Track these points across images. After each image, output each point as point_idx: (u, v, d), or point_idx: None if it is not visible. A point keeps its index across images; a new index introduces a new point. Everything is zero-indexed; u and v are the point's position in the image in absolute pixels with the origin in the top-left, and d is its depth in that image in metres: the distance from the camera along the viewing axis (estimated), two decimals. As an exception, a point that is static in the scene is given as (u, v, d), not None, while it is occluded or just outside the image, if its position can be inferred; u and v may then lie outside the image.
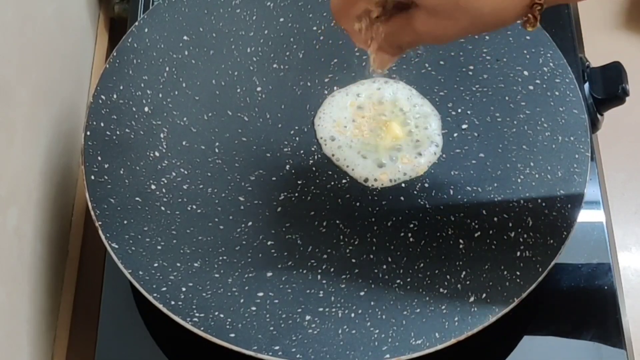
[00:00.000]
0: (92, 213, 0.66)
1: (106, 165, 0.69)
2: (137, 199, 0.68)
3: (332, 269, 0.67)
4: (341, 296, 0.65)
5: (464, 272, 0.65)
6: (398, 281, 0.65)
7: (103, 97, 0.72)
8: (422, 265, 0.66)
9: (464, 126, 0.73)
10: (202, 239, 0.68)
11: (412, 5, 0.57)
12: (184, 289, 0.64)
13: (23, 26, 0.69)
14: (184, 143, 0.73)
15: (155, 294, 0.63)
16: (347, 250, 0.68)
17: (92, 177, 0.68)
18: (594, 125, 0.79)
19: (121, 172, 0.69)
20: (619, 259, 0.73)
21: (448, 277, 0.65)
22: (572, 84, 0.73)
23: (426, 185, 0.71)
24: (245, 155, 0.73)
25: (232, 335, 0.61)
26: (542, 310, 0.69)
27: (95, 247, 0.75)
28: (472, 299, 0.63)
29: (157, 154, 0.72)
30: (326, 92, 0.76)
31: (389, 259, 0.67)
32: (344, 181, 0.71)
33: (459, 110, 0.74)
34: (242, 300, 0.64)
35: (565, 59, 0.74)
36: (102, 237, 0.65)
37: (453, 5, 0.53)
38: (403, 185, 0.71)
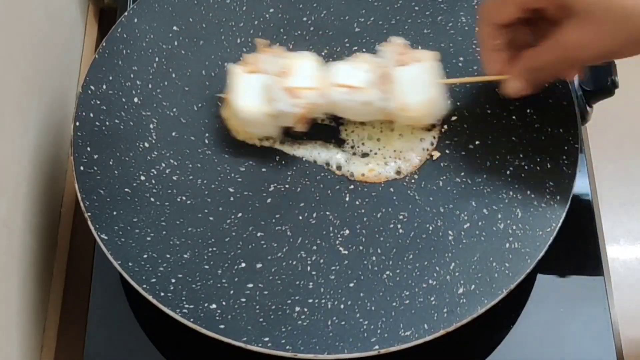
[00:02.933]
0: (82, 204, 0.66)
1: (95, 156, 0.69)
2: (126, 190, 0.68)
3: (321, 261, 0.67)
4: (331, 287, 0.65)
5: (453, 264, 0.65)
6: (387, 272, 0.66)
7: (92, 87, 0.72)
8: (411, 256, 0.66)
9: (454, 118, 0.73)
10: (191, 230, 0.68)
11: (561, 18, 0.57)
12: (173, 280, 0.64)
13: (10, 16, 0.69)
14: (173, 134, 0.73)
15: (144, 285, 0.63)
16: (337, 242, 0.68)
17: (82, 168, 0.68)
18: (583, 117, 0.79)
19: (110, 163, 0.69)
20: (607, 251, 0.73)
21: (437, 268, 0.65)
22: (562, 75, 0.73)
23: (416, 176, 0.71)
24: (234, 147, 0.73)
25: (222, 326, 0.61)
26: (531, 301, 0.70)
27: (84, 238, 0.75)
28: (461, 290, 0.64)
29: (146, 144, 0.72)
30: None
31: (379, 251, 0.67)
32: (334, 173, 0.71)
33: (449, 102, 0.74)
34: (231, 292, 0.64)
35: (555, 50, 0.75)
36: (92, 228, 0.65)
37: (604, 6, 0.54)
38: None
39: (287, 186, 0.71)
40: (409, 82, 0.69)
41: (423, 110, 0.69)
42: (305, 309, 0.63)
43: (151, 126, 0.73)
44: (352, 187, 0.71)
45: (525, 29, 0.63)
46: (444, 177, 0.71)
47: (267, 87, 0.69)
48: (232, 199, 0.70)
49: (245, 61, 0.71)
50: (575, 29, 0.57)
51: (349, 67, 0.71)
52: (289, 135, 0.72)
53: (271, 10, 0.79)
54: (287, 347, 0.61)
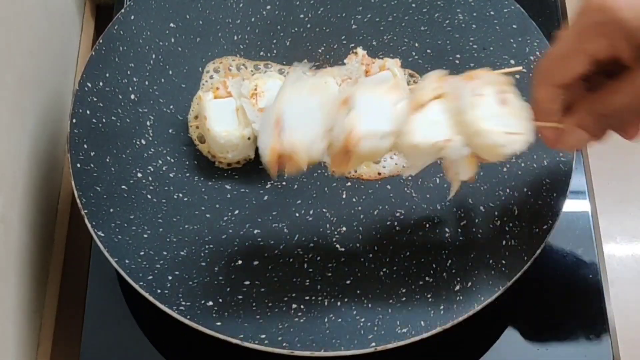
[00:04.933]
0: (78, 201, 0.66)
1: (92, 153, 0.69)
2: (123, 187, 0.68)
3: (318, 258, 0.67)
4: (327, 285, 0.65)
5: (449, 261, 0.65)
6: (384, 270, 0.66)
7: (89, 84, 0.72)
8: (408, 253, 0.67)
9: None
10: (188, 228, 0.68)
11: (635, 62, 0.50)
12: (170, 278, 0.64)
13: (7, 12, 0.69)
14: (170, 131, 0.73)
15: (141, 283, 0.63)
16: (334, 239, 0.68)
17: (78, 165, 0.68)
18: (580, 115, 0.79)
19: (107, 160, 0.69)
20: (603, 248, 0.73)
21: (434, 265, 0.65)
22: (559, 73, 0.73)
23: (412, 173, 0.71)
24: (231, 144, 0.73)
25: (219, 323, 0.61)
26: (528, 298, 0.70)
27: (81, 236, 0.75)
28: (457, 287, 0.64)
29: (143, 142, 0.71)
30: (313, 80, 0.76)
31: (375, 248, 0.67)
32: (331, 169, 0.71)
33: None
34: (228, 289, 0.64)
35: (551, 48, 0.75)
36: (88, 225, 0.65)
37: None
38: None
39: (283, 183, 0.71)
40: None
41: None
42: (302, 306, 0.63)
43: (148, 123, 0.72)
44: (349, 184, 0.71)
45: (581, 84, 0.54)
46: (441, 175, 0.71)
47: (241, 110, 0.69)
48: (228, 196, 0.70)
49: (213, 87, 0.71)
50: None
51: (317, 82, 0.71)
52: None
53: (268, 7, 0.79)
54: (284, 344, 0.61)
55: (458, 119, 0.56)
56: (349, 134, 0.54)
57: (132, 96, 0.73)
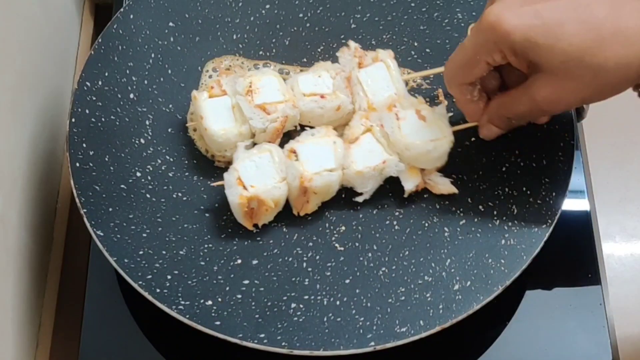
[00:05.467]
0: (77, 200, 0.66)
1: (91, 152, 0.69)
2: (122, 186, 0.68)
3: (317, 257, 0.67)
4: (326, 284, 0.65)
5: (448, 260, 0.65)
6: (383, 269, 0.66)
7: (88, 83, 0.72)
8: (407, 253, 0.67)
9: (450, 114, 0.73)
10: (187, 227, 0.68)
11: (530, 72, 0.58)
12: (169, 277, 0.64)
13: (6, 11, 0.69)
14: (169, 130, 0.73)
15: (140, 282, 0.63)
16: (333, 238, 0.68)
17: (77, 164, 0.68)
18: (579, 114, 0.79)
19: (106, 159, 0.69)
20: (602, 248, 0.73)
21: (433, 264, 0.65)
22: (558, 72, 0.73)
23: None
24: (231, 143, 0.73)
25: (218, 323, 0.61)
26: (526, 298, 0.70)
27: (80, 235, 0.75)
28: (456, 286, 0.64)
29: (142, 141, 0.71)
30: (312, 79, 0.76)
31: (375, 247, 0.67)
32: (329, 169, 0.71)
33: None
34: (227, 288, 0.64)
35: (551, 47, 0.74)
36: (87, 224, 0.65)
37: (577, 62, 0.54)
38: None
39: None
40: (373, 82, 0.71)
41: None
42: (301, 306, 0.63)
43: (147, 122, 0.72)
44: (348, 183, 0.71)
45: (494, 73, 0.64)
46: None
47: (237, 107, 0.69)
48: (228, 195, 0.70)
49: (207, 86, 0.71)
50: (546, 86, 0.57)
51: (311, 76, 0.71)
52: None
53: (267, 6, 0.79)
54: (283, 344, 0.61)
55: (388, 142, 0.68)
56: (301, 174, 0.65)
57: (131, 95, 0.73)
